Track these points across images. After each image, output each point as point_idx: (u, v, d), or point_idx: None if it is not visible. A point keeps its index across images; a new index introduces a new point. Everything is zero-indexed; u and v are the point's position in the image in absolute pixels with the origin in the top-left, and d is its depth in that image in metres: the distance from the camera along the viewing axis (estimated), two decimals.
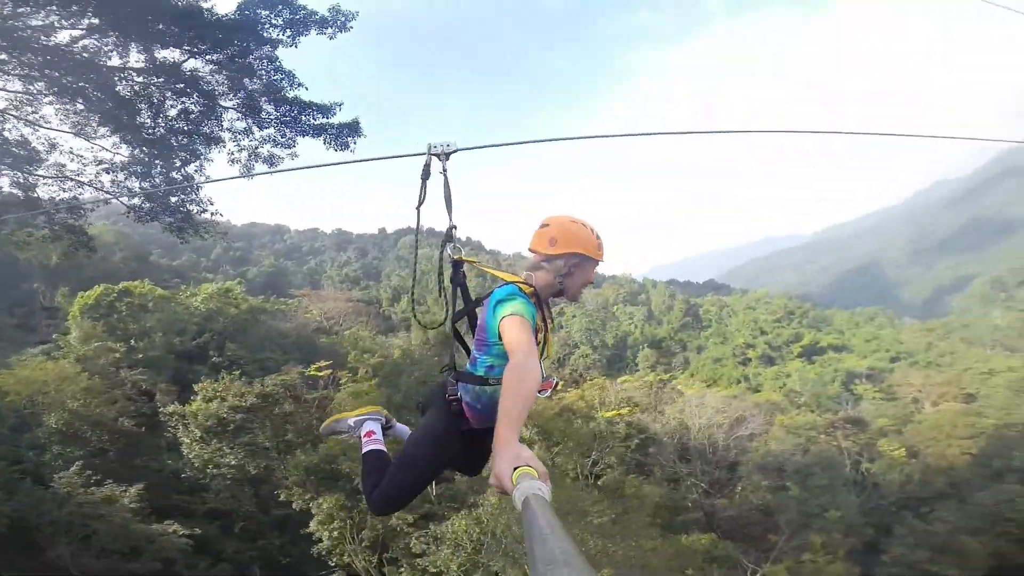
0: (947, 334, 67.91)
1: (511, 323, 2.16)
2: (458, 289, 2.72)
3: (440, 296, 2.77)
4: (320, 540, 15.65)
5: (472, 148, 2.83)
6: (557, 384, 2.63)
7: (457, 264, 2.73)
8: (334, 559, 15.41)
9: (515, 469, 1.42)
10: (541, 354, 2.38)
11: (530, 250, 2.60)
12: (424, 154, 2.69)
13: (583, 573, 0.78)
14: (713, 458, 27.72)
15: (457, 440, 2.63)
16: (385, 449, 3.07)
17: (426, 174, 2.69)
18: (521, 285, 2.44)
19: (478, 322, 2.57)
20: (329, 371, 23.47)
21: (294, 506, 16.35)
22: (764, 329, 63.71)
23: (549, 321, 2.61)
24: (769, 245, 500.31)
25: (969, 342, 66.38)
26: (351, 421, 3.30)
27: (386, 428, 3.31)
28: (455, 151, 2.67)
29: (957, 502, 26.31)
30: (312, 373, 21.18)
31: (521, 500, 1.22)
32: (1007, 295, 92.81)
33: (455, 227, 2.71)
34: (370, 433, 3.16)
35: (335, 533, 15.37)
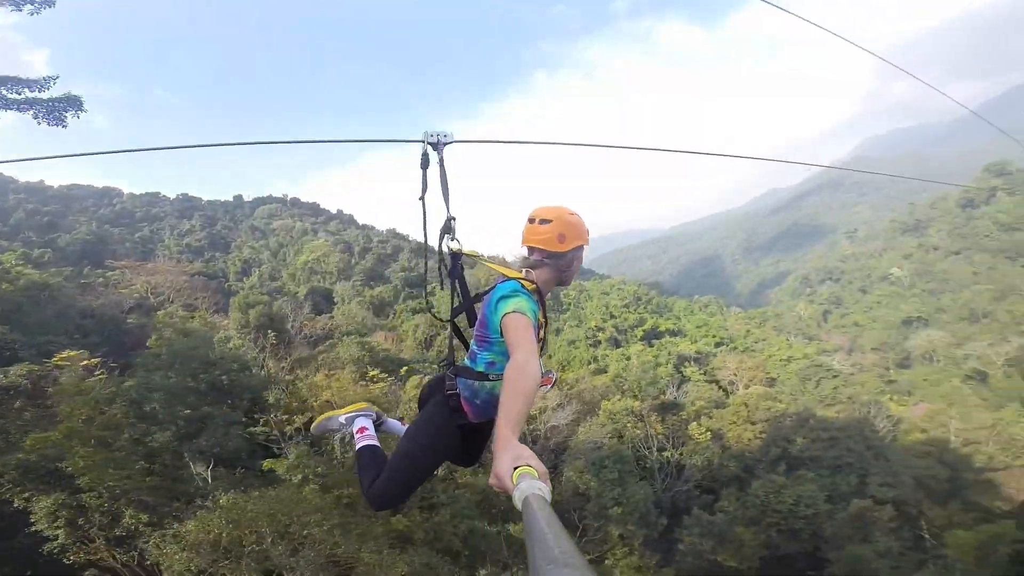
0: (762, 322, 78.03)
1: (514, 320, 2.14)
2: (456, 283, 2.66)
3: (441, 290, 2.77)
4: (56, 538, 14.18)
5: (466, 141, 2.83)
6: (557, 380, 2.67)
7: (456, 257, 2.64)
8: (71, 557, 13.92)
9: (515, 468, 1.42)
10: (541, 351, 2.35)
11: (532, 247, 2.53)
12: (418, 141, 2.65)
13: (583, 573, 0.80)
14: (534, 447, 28.35)
15: (455, 434, 2.61)
16: (379, 444, 3.05)
17: (425, 163, 2.62)
18: (524, 282, 2.40)
19: (479, 317, 2.53)
20: (97, 359, 20.36)
21: (15, 504, 14.60)
22: (613, 313, 68.12)
23: (547, 318, 2.57)
24: (633, 236, 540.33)
25: (778, 330, 77.07)
26: (342, 419, 3.26)
27: (378, 424, 3.28)
28: (450, 142, 2.66)
29: (736, 491, 27.35)
30: (56, 363, 18.15)
31: (521, 500, 1.24)
32: (811, 290, 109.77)
33: (454, 218, 2.61)
34: (362, 429, 3.13)
35: (61, 531, 14.03)
